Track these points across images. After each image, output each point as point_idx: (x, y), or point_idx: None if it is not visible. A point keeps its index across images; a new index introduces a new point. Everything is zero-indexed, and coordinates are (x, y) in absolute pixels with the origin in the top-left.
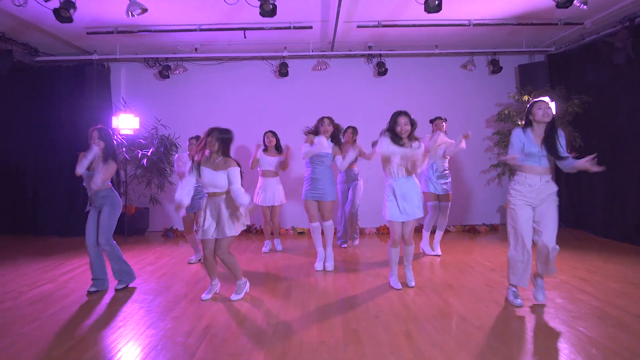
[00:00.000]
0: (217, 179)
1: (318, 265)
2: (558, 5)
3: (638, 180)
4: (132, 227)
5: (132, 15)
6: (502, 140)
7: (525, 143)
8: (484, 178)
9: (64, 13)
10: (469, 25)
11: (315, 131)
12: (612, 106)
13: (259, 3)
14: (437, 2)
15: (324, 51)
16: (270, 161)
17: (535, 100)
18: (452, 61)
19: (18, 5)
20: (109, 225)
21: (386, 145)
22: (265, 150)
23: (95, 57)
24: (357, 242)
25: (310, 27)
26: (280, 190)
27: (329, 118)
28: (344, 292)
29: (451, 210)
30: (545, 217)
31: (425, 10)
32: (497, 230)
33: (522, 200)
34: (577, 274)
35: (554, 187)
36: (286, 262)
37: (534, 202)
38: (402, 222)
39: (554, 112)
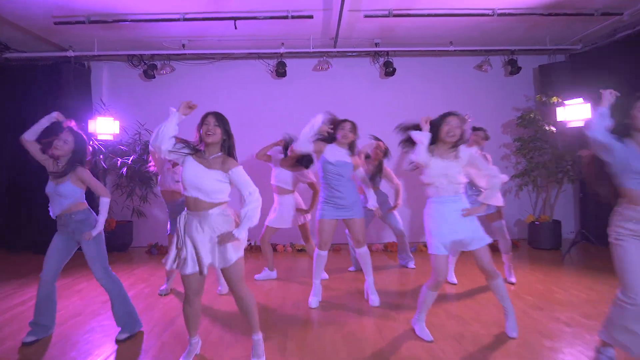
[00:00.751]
0: (206, 181)
1: (313, 302)
2: None
3: None
4: (114, 243)
5: None
6: (524, 148)
7: (631, 159)
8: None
9: None
10: (493, 15)
11: (331, 137)
12: None
13: None
14: None
15: (326, 47)
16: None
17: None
18: (466, 61)
19: None
20: (102, 256)
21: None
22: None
23: (70, 53)
24: (412, 264)
25: (311, 17)
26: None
27: (352, 123)
28: (354, 343)
29: None
30: None
31: None
32: (518, 247)
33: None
34: None
35: None
36: (280, 293)
37: None
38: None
39: (590, 116)
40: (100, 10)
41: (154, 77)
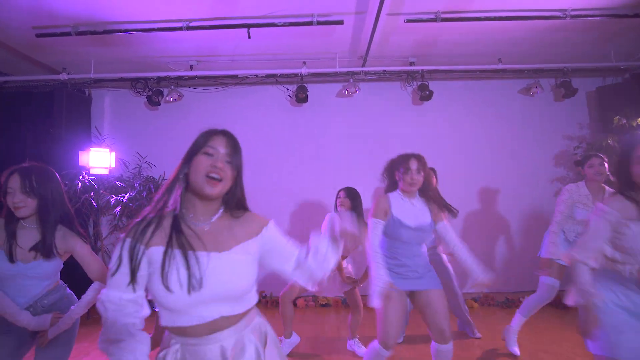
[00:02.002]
0: (241, 269)
1: None
2: None
3: None
4: None
5: None
6: None
7: None
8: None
9: None
10: (564, 18)
11: (392, 184)
12: None
13: None
14: None
15: (353, 67)
16: None
17: None
18: (513, 84)
19: None
20: None
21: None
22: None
23: (64, 76)
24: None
25: (341, 22)
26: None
27: (419, 159)
28: None
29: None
30: None
31: None
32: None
33: None
34: None
35: None
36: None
37: None
38: None
39: None
40: (88, 18)
41: (159, 105)
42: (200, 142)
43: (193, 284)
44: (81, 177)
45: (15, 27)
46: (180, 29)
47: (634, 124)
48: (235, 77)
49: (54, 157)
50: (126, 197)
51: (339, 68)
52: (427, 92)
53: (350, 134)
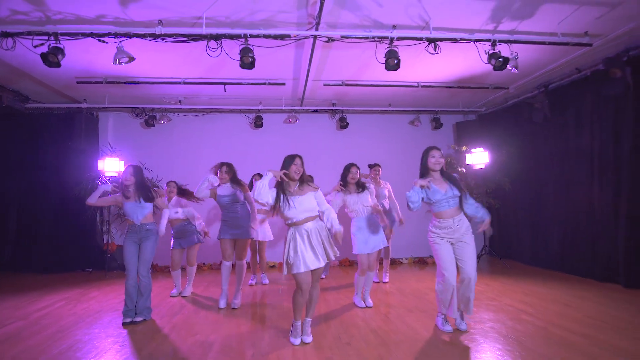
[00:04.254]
0: (306, 204)
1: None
2: (495, 68)
3: (557, 218)
4: (114, 264)
5: (120, 63)
6: None
7: (431, 195)
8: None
9: (51, 58)
10: (417, 87)
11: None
12: (533, 156)
13: (239, 57)
14: (395, 62)
15: (294, 106)
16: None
17: None
18: (402, 118)
19: (6, 49)
20: (152, 259)
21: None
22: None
23: (84, 105)
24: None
25: (284, 84)
26: (268, 227)
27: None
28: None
29: (405, 243)
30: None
31: (386, 68)
32: None
33: None
34: (517, 297)
35: None
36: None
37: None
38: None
39: (488, 161)
40: (115, 74)
41: (154, 126)
42: (290, 159)
43: (294, 206)
44: (100, 178)
45: (62, 76)
46: (179, 83)
47: (462, 150)
48: (211, 109)
49: (75, 163)
50: None
51: (284, 106)
52: (345, 123)
53: (294, 150)
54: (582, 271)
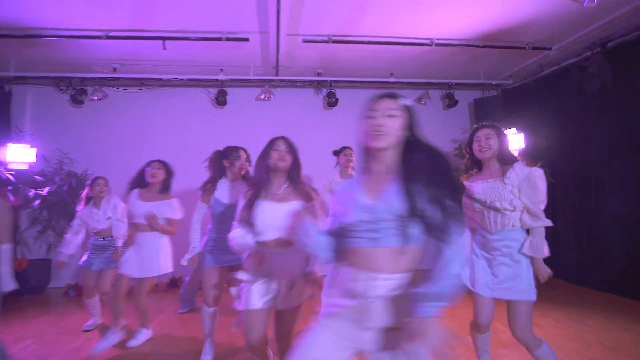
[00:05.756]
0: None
1: None
2: None
3: (618, 223)
4: (27, 285)
5: None
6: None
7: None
8: None
9: None
10: (431, 45)
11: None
12: (583, 141)
13: None
14: None
15: (268, 76)
16: None
17: None
18: (407, 94)
19: None
20: None
21: None
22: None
23: None
24: None
25: (247, 39)
26: None
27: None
28: None
29: None
30: None
31: None
32: None
33: None
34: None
35: None
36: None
37: None
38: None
39: (523, 146)
40: (8, 21)
41: (83, 103)
42: (269, 145)
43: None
44: (1, 171)
45: None
46: (99, 37)
47: None
48: (159, 79)
49: None
50: (46, 191)
51: (253, 76)
52: (334, 99)
53: (268, 136)
54: None
